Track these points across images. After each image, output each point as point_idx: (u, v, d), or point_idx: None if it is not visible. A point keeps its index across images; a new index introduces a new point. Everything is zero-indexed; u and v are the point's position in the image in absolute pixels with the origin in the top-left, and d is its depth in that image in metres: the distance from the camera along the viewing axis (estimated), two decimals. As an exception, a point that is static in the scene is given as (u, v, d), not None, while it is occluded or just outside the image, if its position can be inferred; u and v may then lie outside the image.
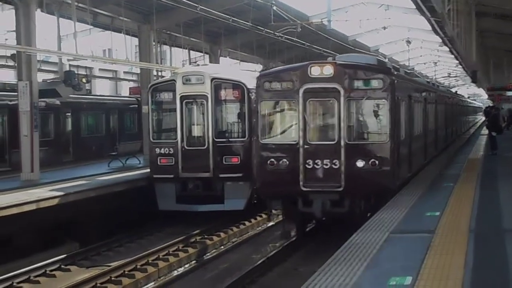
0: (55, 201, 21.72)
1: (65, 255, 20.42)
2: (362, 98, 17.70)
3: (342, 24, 43.18)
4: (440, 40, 42.18)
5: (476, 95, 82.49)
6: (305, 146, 17.71)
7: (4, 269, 18.55)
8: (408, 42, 56.49)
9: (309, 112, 18.05)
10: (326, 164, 17.49)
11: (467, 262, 11.23)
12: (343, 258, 11.67)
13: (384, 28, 49.90)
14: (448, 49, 44.43)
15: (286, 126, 18.75)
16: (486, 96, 63.03)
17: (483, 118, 50.80)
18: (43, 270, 18.91)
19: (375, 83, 17.49)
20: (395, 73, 18.64)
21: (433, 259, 11.49)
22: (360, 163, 17.24)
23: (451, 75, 69.59)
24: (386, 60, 26.99)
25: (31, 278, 18.31)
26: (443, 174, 25.44)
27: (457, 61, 50.82)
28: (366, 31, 53.13)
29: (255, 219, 26.69)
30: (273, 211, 19.86)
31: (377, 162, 17.19)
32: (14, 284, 17.59)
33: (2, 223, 19.42)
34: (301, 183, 17.53)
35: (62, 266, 19.51)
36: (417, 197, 18.93)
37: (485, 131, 43.01)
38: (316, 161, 17.61)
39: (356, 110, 18.01)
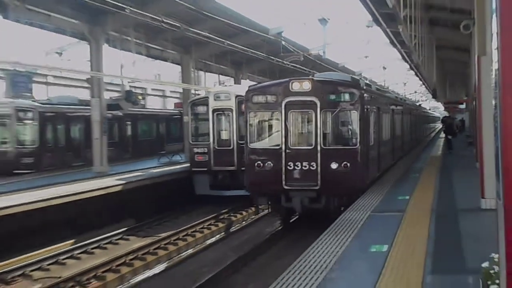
0: (120, 188, 22.01)
1: (125, 228, 20.58)
2: (335, 109, 16.47)
3: (334, 54, 43.41)
4: (408, 66, 41.91)
5: (435, 107, 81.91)
6: (287, 151, 16.61)
7: (85, 237, 18.79)
8: (384, 68, 57.14)
9: (290, 121, 16.85)
10: (305, 166, 16.31)
11: (429, 233, 11.37)
12: (334, 231, 11.73)
13: (366, 57, 51.03)
14: (414, 73, 44.15)
15: (271, 133, 17.53)
16: (443, 108, 62.61)
17: (441, 125, 50.60)
18: (109, 240, 19.09)
19: (346, 96, 16.30)
20: (364, 87, 17.47)
21: (404, 231, 11.60)
22: (333, 165, 16.11)
23: (416, 92, 69.08)
24: (359, 78, 24.55)
25: (101, 245, 18.46)
26: (411, 168, 25.44)
27: (421, 82, 50.49)
28: (352, 59, 53.66)
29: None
30: (260, 206, 18.44)
31: (348, 164, 15.97)
32: (88, 249, 17.73)
33: (84, 204, 19.67)
34: (283, 182, 16.42)
35: (124, 237, 19.67)
36: (390, 186, 18.88)
37: (442, 135, 43.12)
38: (296, 164, 16.44)
39: (331, 119, 16.72)
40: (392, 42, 32.20)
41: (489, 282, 6.15)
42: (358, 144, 16.34)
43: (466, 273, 8.29)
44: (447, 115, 51.01)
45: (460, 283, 7.92)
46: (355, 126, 16.40)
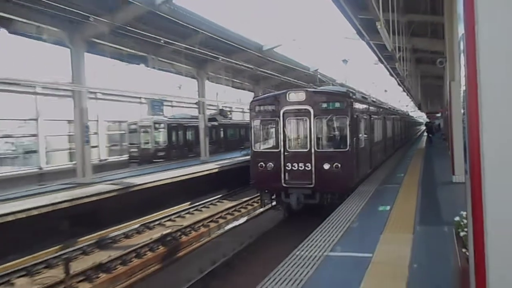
0: (217, 169, 21.97)
1: (221, 195, 20.86)
2: (327, 116, 13.16)
3: (353, 82, 42.44)
4: (402, 89, 40.89)
5: (420, 116, 79.39)
6: (285, 153, 13.47)
7: (197, 200, 19.08)
8: (385, 90, 55.61)
9: (288, 128, 13.70)
10: (301, 167, 13.25)
11: (417, 198, 11.09)
12: (353, 198, 11.56)
13: (373, 83, 49.70)
14: (406, 93, 43.04)
15: (271, 138, 14.21)
16: (426, 116, 61.05)
17: (425, 127, 49.40)
18: (211, 202, 19.36)
19: (337, 105, 13.07)
20: (354, 97, 14.05)
21: (400, 197, 11.40)
22: (326, 166, 12.89)
23: (408, 105, 67.21)
24: (353, 90, 21.07)
25: (206, 205, 18.78)
26: (405, 155, 24.93)
27: (411, 99, 49.09)
28: (364, 85, 52.09)
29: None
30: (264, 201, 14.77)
31: (339, 165, 12.78)
32: (198, 208, 18.02)
33: (196, 179, 20.00)
34: (282, 180, 13.43)
35: (220, 200, 19.92)
36: (392, 168, 18.50)
37: (425, 134, 42.34)
38: (294, 164, 13.36)
39: (323, 125, 13.44)
40: (391, 74, 31.69)
41: (459, 230, 5.97)
42: (348, 147, 12.98)
43: (443, 224, 8.09)
44: (429, 120, 49.67)
45: (439, 231, 7.72)
46: (345, 131, 13.08)
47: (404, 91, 40.78)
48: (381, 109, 21.43)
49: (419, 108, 54.33)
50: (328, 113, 13.14)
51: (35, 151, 22.33)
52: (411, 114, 63.09)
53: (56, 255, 11.99)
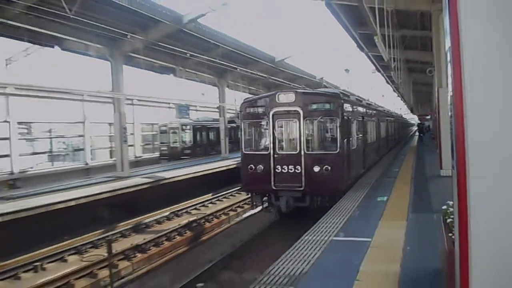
0: (234, 165, 21.60)
1: (238, 188, 20.83)
2: (317, 118, 11.29)
3: (354, 89, 41.81)
4: (397, 95, 40.49)
5: (412, 118, 78.22)
6: (275, 155, 11.53)
7: (217, 192, 19.12)
8: (383, 95, 54.94)
9: (278, 129, 11.76)
10: (291, 169, 11.38)
11: (410, 190, 10.96)
12: (354, 190, 11.47)
13: (371, 89, 49.08)
14: (400, 98, 42.61)
15: (261, 140, 12.21)
16: (417, 118, 60.29)
17: (416, 128, 48.79)
18: (230, 194, 19.28)
19: (327, 106, 11.26)
20: (344, 99, 12.15)
21: (396, 188, 11.26)
22: (316, 169, 11.04)
23: (401, 109, 66.20)
24: (346, 92, 18.52)
25: (226, 196, 18.77)
26: (400, 152, 24.68)
27: (404, 103, 48.52)
28: (364, 91, 51.34)
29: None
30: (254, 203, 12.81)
31: (329, 168, 10.95)
32: (220, 198, 18.06)
33: (216, 174, 19.96)
34: (272, 183, 11.48)
35: (237, 193, 19.88)
36: (388, 164, 18.33)
37: (417, 134, 41.92)
38: (284, 167, 11.43)
39: (313, 127, 11.52)
40: (387, 81, 31.39)
41: (446, 217, 5.90)
42: (338, 149, 11.11)
43: (432, 212, 8.00)
44: (420, 122, 49.05)
45: (429, 218, 7.64)
46: (335, 133, 11.24)
47: (398, 96, 40.37)
48: (375, 111, 19.52)
49: (412, 111, 53.72)
50: (318, 114, 11.30)
51: (82, 149, 22.67)
52: (404, 116, 62.20)
53: (100, 237, 12.16)
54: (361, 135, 14.18)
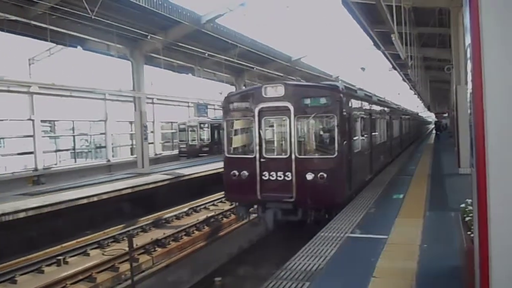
0: None
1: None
2: (310, 115, 9.25)
3: (369, 87, 41.02)
4: (413, 92, 39.89)
5: (429, 116, 76.88)
6: (261, 160, 9.56)
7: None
8: (398, 94, 53.98)
9: (264, 129, 9.80)
10: (280, 176, 9.41)
11: (427, 187, 10.81)
12: (370, 187, 11.36)
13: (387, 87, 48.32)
14: (417, 96, 41.93)
15: (246, 141, 10.40)
16: (435, 116, 59.27)
17: (433, 126, 47.97)
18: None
19: (323, 100, 9.19)
20: (344, 91, 9.94)
21: (412, 187, 11.10)
22: (309, 176, 9.04)
23: (418, 107, 65.06)
24: (350, 85, 15.86)
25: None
26: (417, 150, 24.35)
27: (421, 101, 47.69)
28: (380, 89, 50.26)
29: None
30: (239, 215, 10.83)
31: (325, 175, 8.96)
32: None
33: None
34: (258, 192, 9.53)
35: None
36: (405, 161, 18.10)
37: (434, 131, 41.29)
38: (271, 173, 9.48)
39: (306, 126, 9.59)
40: (403, 79, 30.95)
41: (465, 216, 5.81)
42: (336, 153, 9.14)
43: (450, 210, 7.87)
44: (437, 120, 48.26)
45: (446, 216, 7.51)
46: (333, 133, 9.25)
47: (415, 94, 39.76)
48: (386, 108, 17.22)
49: (429, 109, 52.89)
50: (312, 110, 9.32)
51: (104, 147, 23.03)
52: (421, 114, 61.11)
53: (121, 232, 12.34)
54: (368, 134, 12.33)
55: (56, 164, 19.36)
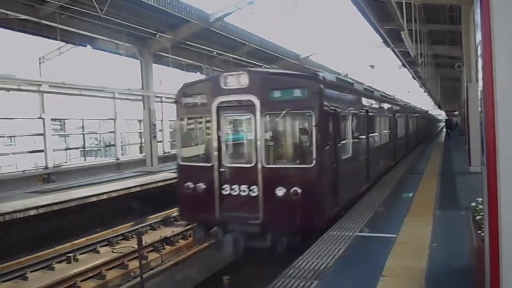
0: None
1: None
2: (281, 111, 7.18)
3: (378, 85, 40.68)
4: (423, 90, 39.57)
5: (439, 114, 76.23)
6: (221, 169, 7.61)
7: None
8: (408, 91, 53.52)
9: (224, 130, 7.81)
10: (244, 191, 7.42)
11: (437, 186, 10.72)
12: (379, 186, 11.30)
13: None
14: (427, 94, 41.60)
15: (203, 145, 8.35)
16: (445, 114, 58.75)
17: (444, 124, 47.63)
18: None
19: (297, 93, 7.17)
20: (327, 81, 7.94)
21: (422, 185, 11.03)
22: (279, 192, 7.06)
23: (428, 105, 64.55)
24: (341, 77, 11.89)
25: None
26: (427, 149, 24.17)
27: (431, 99, 47.25)
28: (390, 87, 49.75)
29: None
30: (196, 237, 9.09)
31: (299, 191, 6.93)
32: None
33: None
34: (217, 211, 7.57)
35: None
36: (415, 159, 17.97)
37: (444, 129, 41.00)
38: (233, 187, 7.51)
39: (276, 126, 7.50)
40: (413, 77, 30.70)
41: (475, 214, 5.76)
42: (314, 162, 7.07)
43: (460, 209, 7.79)
44: (447, 118, 47.84)
45: (456, 215, 7.45)
46: (311, 135, 7.19)
47: (425, 92, 39.46)
48: (389, 105, 14.99)
49: (439, 107, 52.47)
50: (283, 106, 7.14)
51: (113, 145, 23.21)
52: (431, 112, 60.54)
53: (131, 229, 12.43)
54: (364, 136, 10.29)
55: (66, 162, 19.55)
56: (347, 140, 8.89)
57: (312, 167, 7.10)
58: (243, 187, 7.44)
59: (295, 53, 24.54)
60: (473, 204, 5.47)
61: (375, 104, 12.19)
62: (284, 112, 7.21)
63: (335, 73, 31.30)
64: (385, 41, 19.04)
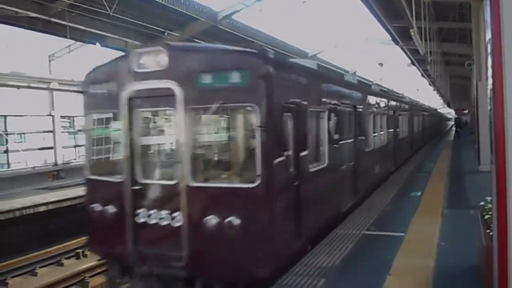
0: None
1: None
2: (212, 105, 4.50)
3: (387, 83, 40.37)
4: (432, 88, 39.27)
5: (449, 112, 75.55)
6: (134, 187, 5.00)
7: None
8: (417, 90, 53.11)
9: (137, 131, 5.20)
10: (163, 218, 4.81)
11: (446, 185, 10.68)
12: (386, 186, 11.24)
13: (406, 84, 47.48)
14: (436, 92, 41.29)
15: (113, 153, 5.76)
16: (454, 112, 58.27)
17: (453, 122, 47.25)
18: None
19: (234, 78, 4.36)
20: (279, 61, 5.25)
21: (430, 184, 10.98)
22: (211, 221, 4.48)
23: (437, 103, 64.01)
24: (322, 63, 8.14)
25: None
26: (436, 148, 24.00)
27: (440, 97, 46.85)
28: (399, 84, 49.01)
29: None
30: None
31: (236, 222, 4.42)
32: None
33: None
34: (129, 245, 5.01)
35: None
36: (424, 155, 17.85)
37: (454, 128, 40.72)
38: (151, 213, 4.89)
39: (207, 126, 5.36)
40: (422, 75, 30.47)
41: (484, 213, 5.72)
42: (258, 179, 4.52)
43: (469, 208, 7.72)
44: (457, 116, 47.46)
45: (464, 214, 7.38)
46: (254, 140, 4.67)
47: (434, 90, 39.17)
48: (387, 100, 12.84)
49: (448, 105, 52.08)
50: (216, 96, 4.80)
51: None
52: (440, 110, 59.98)
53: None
54: (349, 139, 8.05)
55: (75, 159, 19.73)
56: (322, 146, 6.60)
57: (256, 188, 4.63)
58: (164, 213, 5.00)
59: (303, 51, 24.47)
60: (482, 203, 5.43)
61: (368, 99, 10.27)
62: (215, 106, 4.71)
63: (345, 71, 31.09)
64: (394, 39, 18.93)
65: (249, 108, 4.86)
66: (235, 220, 4.60)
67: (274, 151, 4.85)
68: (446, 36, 19.02)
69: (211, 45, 6.87)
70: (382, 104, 11.88)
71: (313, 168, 6.06)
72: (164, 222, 5.01)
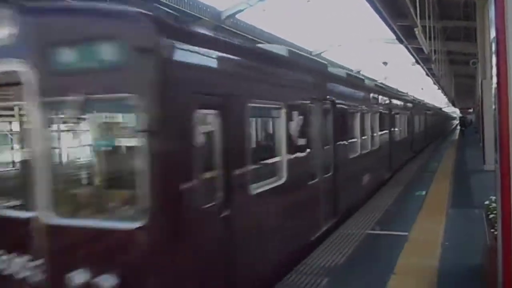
0: None
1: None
2: (78, 97, 2.48)
3: (392, 82, 40.40)
4: (437, 87, 39.14)
5: (454, 111, 75.22)
6: None
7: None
8: (422, 88, 53.03)
9: None
10: (18, 267, 2.75)
11: (450, 184, 10.68)
12: (392, 185, 11.23)
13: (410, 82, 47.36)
14: (441, 91, 41.15)
15: None
16: (459, 111, 58.08)
17: (458, 121, 47.06)
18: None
19: (106, 53, 2.46)
20: (181, 28, 3.42)
21: (435, 183, 10.97)
22: (77, 278, 2.54)
23: (442, 102, 63.75)
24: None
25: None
26: (441, 146, 23.94)
27: (445, 96, 46.70)
28: (404, 84, 48.73)
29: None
30: None
31: (113, 282, 2.53)
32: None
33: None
34: None
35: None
36: (431, 153, 17.80)
37: (458, 128, 40.59)
38: (3, 258, 2.81)
39: (73, 130, 3.00)
40: (427, 74, 30.39)
41: (489, 213, 5.71)
42: (147, 217, 2.73)
43: (474, 207, 7.69)
44: (462, 115, 47.30)
45: (470, 213, 7.37)
46: (138, 153, 2.81)
47: (439, 89, 39.03)
48: (382, 96, 11.72)
49: (453, 104, 51.94)
50: (82, 85, 2.96)
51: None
52: (445, 109, 59.71)
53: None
54: (325, 144, 6.62)
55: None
56: (279, 155, 5.07)
57: (142, 230, 2.98)
58: (18, 261, 3.27)
59: (307, 50, 24.43)
60: (487, 202, 5.41)
61: (355, 95, 8.93)
62: (79, 98, 2.99)
63: (349, 70, 31.00)
64: (398, 38, 18.89)
65: (130, 102, 2.96)
66: (107, 280, 2.89)
67: (175, 171, 3.14)
68: (450, 34, 18.97)
69: (79, 3, 4.59)
70: (374, 101, 10.50)
71: (260, 188, 4.38)
72: (22, 274, 3.19)
